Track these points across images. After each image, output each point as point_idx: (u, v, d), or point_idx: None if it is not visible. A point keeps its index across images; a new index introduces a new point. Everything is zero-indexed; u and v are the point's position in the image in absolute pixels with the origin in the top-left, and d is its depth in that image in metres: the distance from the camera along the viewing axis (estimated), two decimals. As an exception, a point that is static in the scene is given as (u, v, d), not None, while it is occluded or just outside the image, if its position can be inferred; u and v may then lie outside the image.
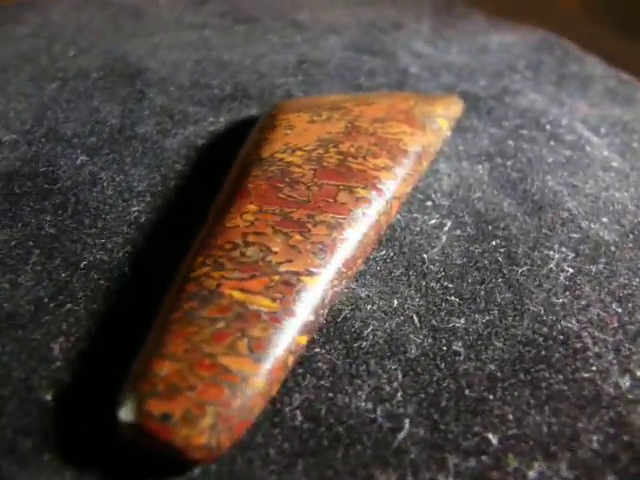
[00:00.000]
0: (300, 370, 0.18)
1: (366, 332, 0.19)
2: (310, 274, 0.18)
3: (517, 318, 0.19)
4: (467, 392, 0.17)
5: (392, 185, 0.22)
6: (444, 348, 0.18)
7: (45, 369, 0.17)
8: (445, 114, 0.27)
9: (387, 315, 0.19)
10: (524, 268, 0.21)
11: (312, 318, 0.18)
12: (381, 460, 0.16)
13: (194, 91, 0.30)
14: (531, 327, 0.19)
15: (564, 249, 0.22)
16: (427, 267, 0.21)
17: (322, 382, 0.17)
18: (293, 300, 0.18)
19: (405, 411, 0.17)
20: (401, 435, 0.16)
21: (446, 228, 0.23)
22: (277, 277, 0.18)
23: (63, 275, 0.20)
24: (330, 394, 0.17)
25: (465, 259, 0.22)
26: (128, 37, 0.34)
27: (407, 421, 0.16)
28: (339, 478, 0.15)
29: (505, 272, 0.21)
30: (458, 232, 0.23)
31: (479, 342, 0.19)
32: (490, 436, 0.16)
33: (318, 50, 0.34)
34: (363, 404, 0.17)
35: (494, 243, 0.22)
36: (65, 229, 0.22)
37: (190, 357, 0.16)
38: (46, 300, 0.19)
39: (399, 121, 0.25)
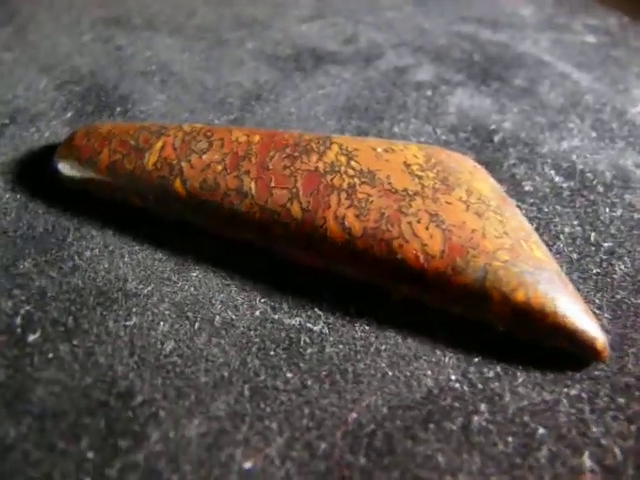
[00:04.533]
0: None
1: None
2: (189, 184, 0.23)
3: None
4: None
5: (334, 238, 0.21)
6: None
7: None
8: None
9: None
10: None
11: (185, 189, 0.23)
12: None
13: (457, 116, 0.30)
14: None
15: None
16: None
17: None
18: (181, 172, 0.23)
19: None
20: None
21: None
22: (186, 164, 0.23)
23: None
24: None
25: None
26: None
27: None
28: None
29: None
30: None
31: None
32: None
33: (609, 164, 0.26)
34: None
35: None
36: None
37: (113, 137, 0.25)
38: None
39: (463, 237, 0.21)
